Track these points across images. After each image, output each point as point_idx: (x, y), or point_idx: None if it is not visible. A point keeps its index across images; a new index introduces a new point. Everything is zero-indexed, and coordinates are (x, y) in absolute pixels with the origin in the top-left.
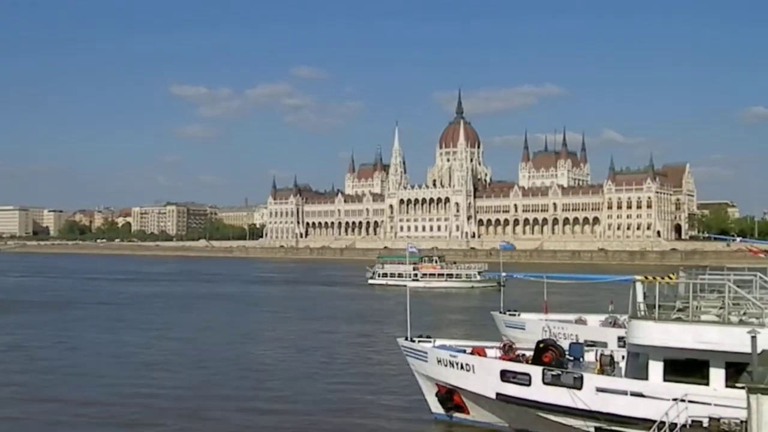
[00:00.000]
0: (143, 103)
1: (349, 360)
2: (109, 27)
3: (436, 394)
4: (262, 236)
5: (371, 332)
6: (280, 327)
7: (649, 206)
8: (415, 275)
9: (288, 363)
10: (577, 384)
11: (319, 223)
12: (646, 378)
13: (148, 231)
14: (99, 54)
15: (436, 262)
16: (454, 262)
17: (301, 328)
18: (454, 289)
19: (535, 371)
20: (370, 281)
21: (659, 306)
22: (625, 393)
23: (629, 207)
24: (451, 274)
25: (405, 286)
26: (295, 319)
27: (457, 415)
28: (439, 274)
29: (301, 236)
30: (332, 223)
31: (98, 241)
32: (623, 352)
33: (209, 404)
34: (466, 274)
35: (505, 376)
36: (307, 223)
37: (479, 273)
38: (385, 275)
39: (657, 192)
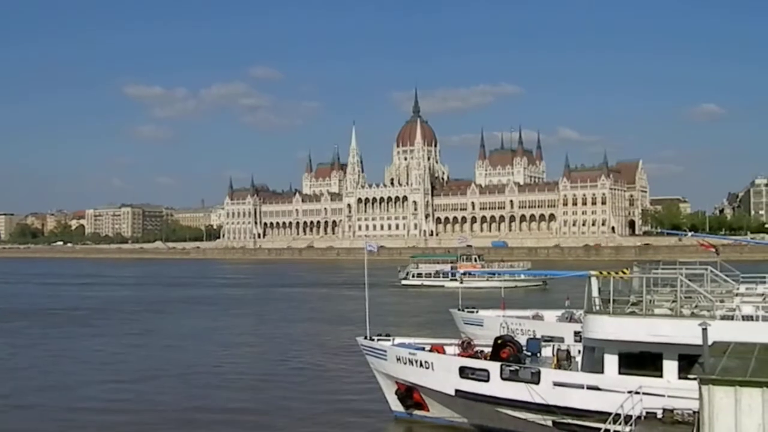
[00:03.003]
0: (97, 103)
1: (323, 362)
2: (61, 26)
3: (396, 392)
4: (219, 237)
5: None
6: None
7: (603, 202)
8: (453, 275)
9: (258, 366)
10: (535, 379)
11: (277, 223)
12: (601, 371)
13: (103, 233)
14: (50, 54)
15: (475, 260)
16: (502, 260)
17: (296, 331)
18: (496, 289)
19: (494, 367)
20: (404, 282)
21: (614, 300)
22: (581, 387)
23: (584, 203)
24: (493, 273)
25: (442, 286)
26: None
27: (416, 412)
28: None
29: (259, 236)
30: (290, 223)
31: (70, 244)
32: (579, 346)
33: (203, 413)
34: (510, 273)
35: (464, 372)
36: (265, 224)
37: (524, 271)
38: (420, 275)
39: (611, 188)
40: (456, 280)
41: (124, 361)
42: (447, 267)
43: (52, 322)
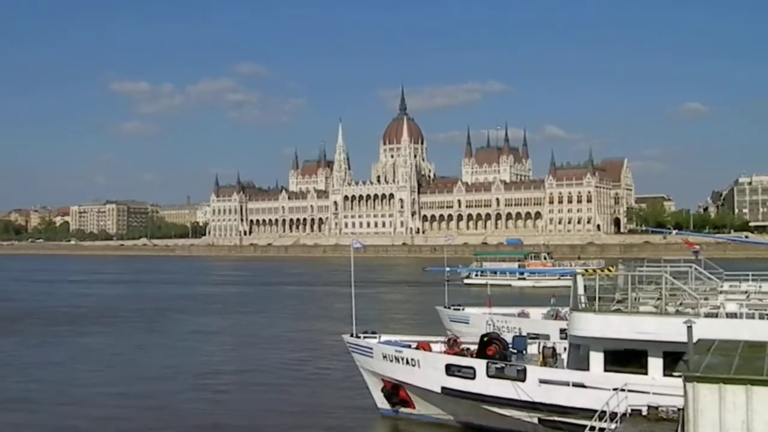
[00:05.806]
0: (82, 99)
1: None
2: (45, 21)
3: (382, 390)
4: (205, 234)
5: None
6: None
7: (589, 200)
8: (521, 273)
9: (249, 362)
10: (521, 376)
11: (263, 220)
12: (587, 369)
13: (87, 230)
14: (34, 49)
15: (545, 258)
16: (579, 257)
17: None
18: (567, 288)
19: (480, 364)
20: (466, 281)
21: (599, 298)
22: (567, 384)
23: (570, 201)
24: (565, 273)
25: (509, 285)
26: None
27: (402, 410)
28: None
29: (245, 234)
30: (276, 220)
31: (67, 240)
32: (565, 343)
33: (228, 414)
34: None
35: (450, 370)
36: (251, 221)
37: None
38: (484, 273)
39: (596, 186)
40: (524, 278)
41: (139, 361)
42: (514, 265)
43: (58, 321)
